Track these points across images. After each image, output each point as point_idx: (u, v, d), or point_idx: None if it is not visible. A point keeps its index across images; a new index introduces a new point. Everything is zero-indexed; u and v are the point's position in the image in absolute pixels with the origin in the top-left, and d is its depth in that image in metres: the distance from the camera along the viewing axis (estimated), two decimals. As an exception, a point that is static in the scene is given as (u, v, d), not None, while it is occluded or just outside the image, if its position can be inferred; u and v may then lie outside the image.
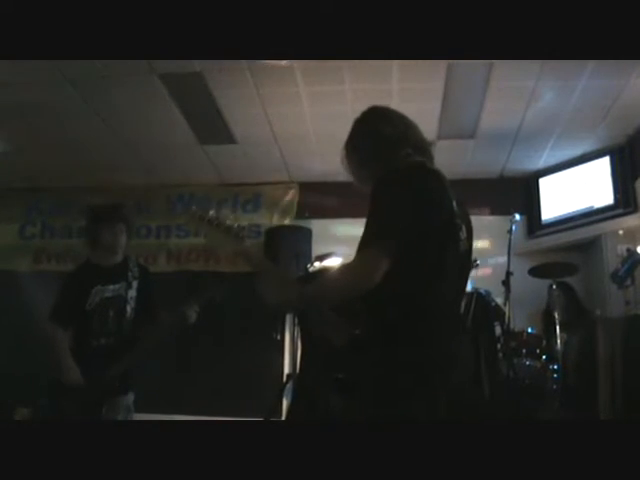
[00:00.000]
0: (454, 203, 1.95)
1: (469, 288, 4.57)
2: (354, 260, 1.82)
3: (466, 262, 2.08)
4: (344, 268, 2.00)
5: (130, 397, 3.33)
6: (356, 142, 2.15)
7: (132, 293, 3.31)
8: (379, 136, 2.07)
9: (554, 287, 5.13)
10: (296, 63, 4.32)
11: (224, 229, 2.16)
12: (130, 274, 3.37)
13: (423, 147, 2.09)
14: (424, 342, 1.80)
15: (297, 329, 5.47)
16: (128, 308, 3.30)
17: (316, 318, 1.99)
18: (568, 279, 5.35)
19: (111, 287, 3.32)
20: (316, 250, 5.81)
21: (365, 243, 1.82)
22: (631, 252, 4.54)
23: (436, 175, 1.96)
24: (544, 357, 4.68)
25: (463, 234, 1.97)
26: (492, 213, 6.08)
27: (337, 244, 5.41)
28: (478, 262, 4.50)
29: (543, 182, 6.14)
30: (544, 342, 4.81)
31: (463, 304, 4.24)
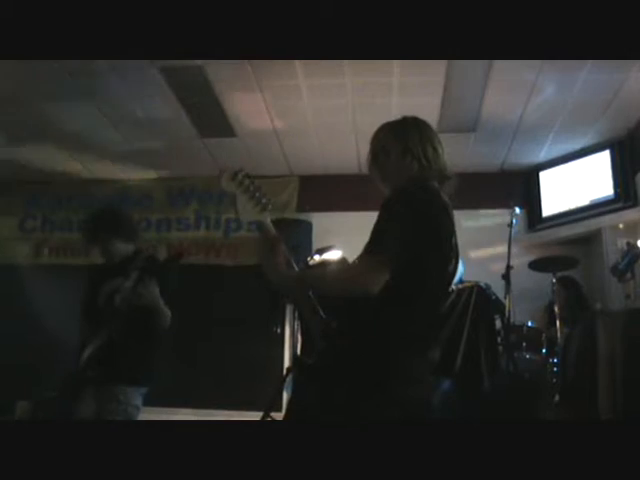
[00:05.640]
0: (454, 238, 2.01)
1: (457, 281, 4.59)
2: (361, 263, 1.90)
3: (446, 291, 2.17)
4: (351, 268, 2.03)
5: (125, 389, 3.18)
6: (388, 147, 2.13)
7: (129, 283, 3.18)
8: (411, 151, 2.07)
9: (558, 281, 5.13)
10: (296, 56, 4.32)
11: (250, 194, 2.12)
12: (132, 265, 3.23)
13: (445, 174, 2.10)
14: (383, 356, 1.84)
15: (297, 323, 5.48)
16: (117, 298, 3.17)
17: (302, 302, 2.05)
18: (572, 273, 5.36)
19: (114, 282, 3.27)
20: (316, 243, 5.82)
21: (375, 249, 1.86)
22: (631, 246, 4.53)
23: (449, 209, 2.00)
24: (544, 351, 4.69)
25: (451, 267, 2.01)
26: (492, 206, 6.07)
27: (337, 237, 5.40)
28: None
29: (543, 175, 6.14)
30: (544, 336, 4.82)
31: (464, 297, 4.26)
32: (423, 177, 2.03)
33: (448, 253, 1.97)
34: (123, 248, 3.46)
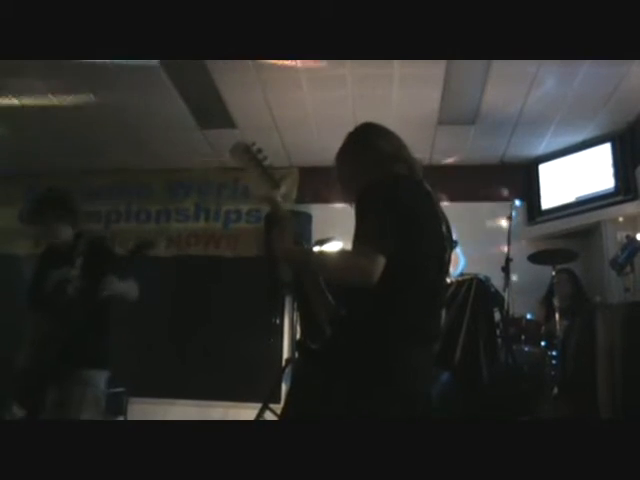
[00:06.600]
0: (443, 226, 2.01)
1: (455, 274, 4.59)
2: (355, 252, 1.85)
3: (444, 281, 2.17)
4: (348, 257, 1.95)
5: (89, 373, 3.20)
6: (352, 154, 2.18)
7: (75, 271, 3.18)
8: (376, 150, 2.11)
9: (557, 273, 5.14)
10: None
11: (263, 169, 2.11)
12: (75, 252, 3.24)
13: (416, 166, 2.12)
14: (382, 347, 1.84)
15: (296, 314, 5.49)
16: (70, 287, 3.17)
17: (311, 287, 2.04)
18: (571, 266, 5.36)
19: (61, 270, 3.26)
20: (316, 235, 5.82)
21: (366, 240, 1.84)
22: (631, 239, 4.54)
23: (430, 195, 2.02)
24: (543, 343, 4.70)
25: (447, 255, 2.01)
26: (492, 199, 6.07)
27: (337, 229, 5.40)
28: (457, 241, 4.49)
29: (543, 168, 6.12)
30: (543, 328, 4.83)
31: (463, 290, 4.28)
32: (392, 173, 2.05)
33: (438, 240, 1.97)
34: (67, 232, 3.38)
